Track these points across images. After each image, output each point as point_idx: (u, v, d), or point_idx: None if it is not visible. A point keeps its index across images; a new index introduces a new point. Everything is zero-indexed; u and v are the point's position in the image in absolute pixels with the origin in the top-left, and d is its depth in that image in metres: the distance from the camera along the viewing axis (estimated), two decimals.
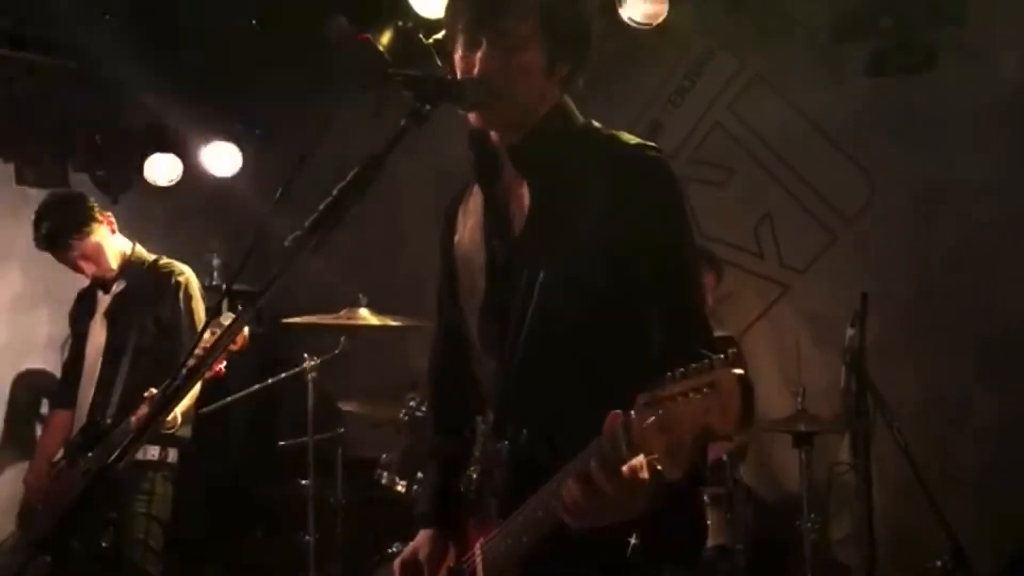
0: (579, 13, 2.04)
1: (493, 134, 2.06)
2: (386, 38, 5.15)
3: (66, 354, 4.52)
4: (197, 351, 3.61)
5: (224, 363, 3.89)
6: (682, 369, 1.46)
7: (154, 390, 3.79)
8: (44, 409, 5.02)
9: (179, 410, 3.85)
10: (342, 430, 4.85)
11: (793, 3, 4.79)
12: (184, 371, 1.76)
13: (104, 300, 4.29)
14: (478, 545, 2.02)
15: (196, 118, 5.72)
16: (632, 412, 1.53)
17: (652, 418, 1.47)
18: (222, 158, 5.84)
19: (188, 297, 4.17)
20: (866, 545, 3.90)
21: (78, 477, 3.99)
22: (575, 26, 2.02)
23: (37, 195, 5.19)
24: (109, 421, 3.99)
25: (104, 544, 3.84)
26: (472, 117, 2.01)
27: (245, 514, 5.61)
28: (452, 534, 2.15)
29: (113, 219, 4.25)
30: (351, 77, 5.32)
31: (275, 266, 1.71)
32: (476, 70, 1.95)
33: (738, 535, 4.25)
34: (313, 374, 4.64)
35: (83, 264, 4.16)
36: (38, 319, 5.20)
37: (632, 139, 2.00)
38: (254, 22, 5.36)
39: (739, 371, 1.41)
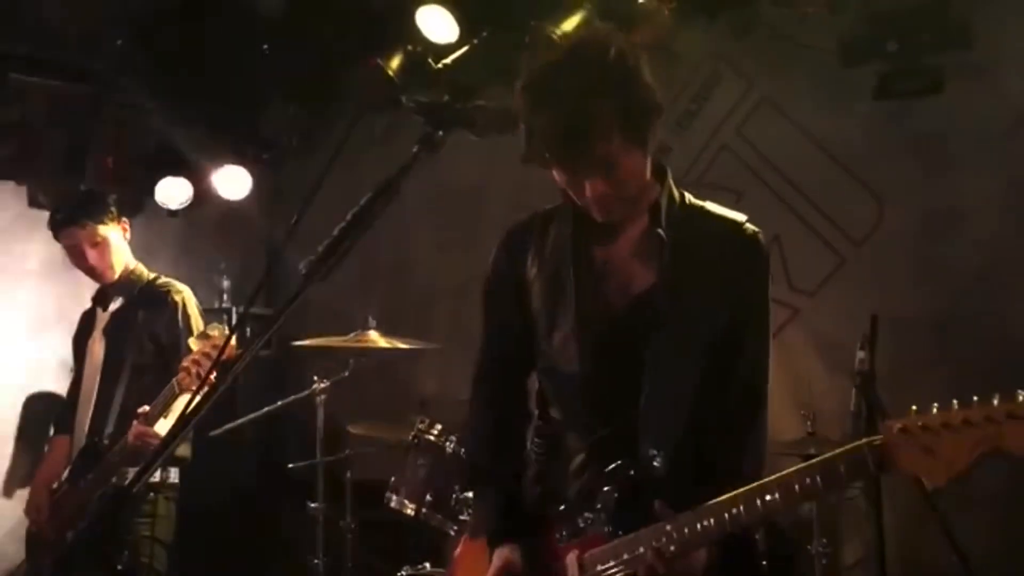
0: (646, 91, 2.12)
1: None
2: (395, 62, 5.19)
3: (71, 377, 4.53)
4: (185, 363, 3.66)
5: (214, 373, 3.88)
6: (956, 403, 1.74)
7: (147, 407, 3.81)
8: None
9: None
10: (351, 452, 4.85)
11: (800, 27, 4.81)
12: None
13: (103, 318, 4.31)
14: (573, 556, 2.14)
15: (207, 142, 5.76)
16: (882, 437, 1.79)
17: (919, 438, 1.74)
18: (232, 181, 5.87)
19: (186, 316, 4.18)
20: (877, 569, 3.87)
21: (82, 500, 3.99)
22: (648, 106, 2.12)
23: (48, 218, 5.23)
24: (106, 441, 3.99)
25: (120, 567, 3.83)
26: (596, 214, 2.19)
27: (254, 537, 5.60)
28: (527, 548, 2.25)
29: (128, 227, 4.32)
30: (362, 102, 5.36)
31: (287, 290, 1.73)
32: (588, 196, 2.13)
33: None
34: (322, 396, 4.65)
35: (88, 251, 4.19)
36: (50, 341, 5.21)
37: (732, 216, 2.29)
38: (265, 47, 5.41)
39: None
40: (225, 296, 6.00)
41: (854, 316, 4.11)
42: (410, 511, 4.15)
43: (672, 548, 1.99)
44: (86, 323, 4.42)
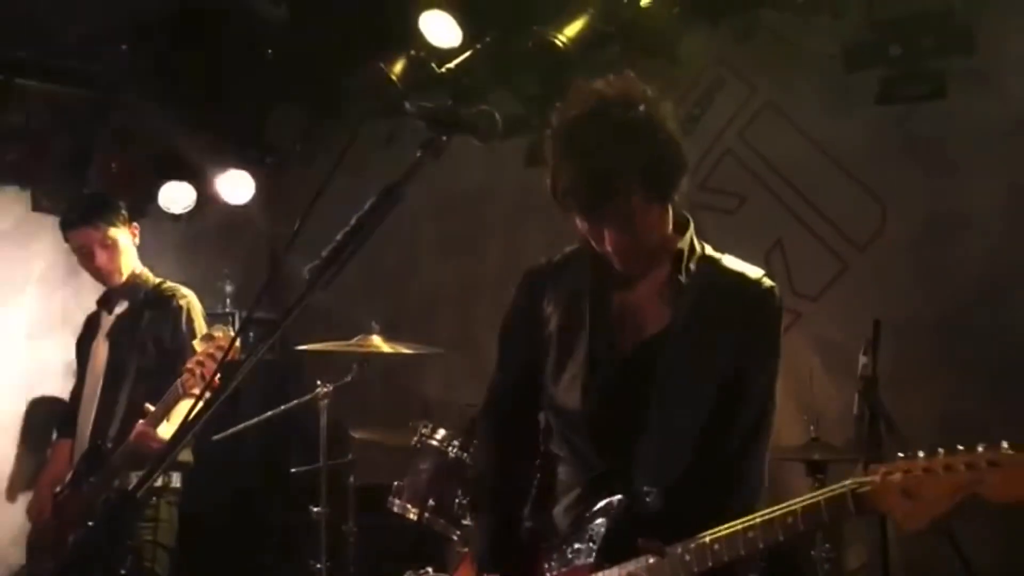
0: (671, 146, 2.16)
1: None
2: (399, 67, 5.20)
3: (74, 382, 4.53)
4: (189, 365, 3.66)
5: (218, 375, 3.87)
6: (942, 450, 1.79)
7: (150, 406, 3.81)
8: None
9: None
10: (354, 457, 4.85)
11: (803, 32, 4.81)
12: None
13: (107, 321, 4.32)
14: None
15: (210, 146, 5.77)
16: (865, 477, 1.86)
17: (898, 480, 1.80)
18: (236, 186, 5.89)
19: (190, 320, 4.19)
20: (881, 575, 3.87)
21: (84, 504, 3.98)
22: (674, 160, 2.17)
23: (53, 222, 5.23)
24: (110, 445, 3.99)
25: (123, 572, 3.83)
26: (616, 264, 2.24)
27: (256, 541, 5.60)
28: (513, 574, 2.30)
29: (137, 232, 4.35)
30: (365, 106, 5.37)
31: (291, 295, 1.73)
32: (609, 246, 2.19)
33: (753, 564, 4.22)
34: (325, 401, 4.65)
35: (98, 252, 4.21)
36: (53, 345, 5.22)
37: (748, 271, 2.33)
38: (269, 51, 5.42)
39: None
40: (228, 300, 6.01)
41: (857, 320, 4.11)
42: (413, 516, 4.15)
43: None
44: (91, 326, 4.43)
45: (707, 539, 1.99)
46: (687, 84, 5.22)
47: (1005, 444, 1.74)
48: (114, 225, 4.22)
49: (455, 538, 4.06)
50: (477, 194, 5.91)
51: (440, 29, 4.93)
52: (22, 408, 5.26)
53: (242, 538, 5.48)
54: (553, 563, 2.24)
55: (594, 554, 2.15)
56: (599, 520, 2.18)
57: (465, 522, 3.98)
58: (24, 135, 5.48)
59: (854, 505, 1.86)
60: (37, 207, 5.80)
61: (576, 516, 2.25)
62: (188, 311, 4.20)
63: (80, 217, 4.23)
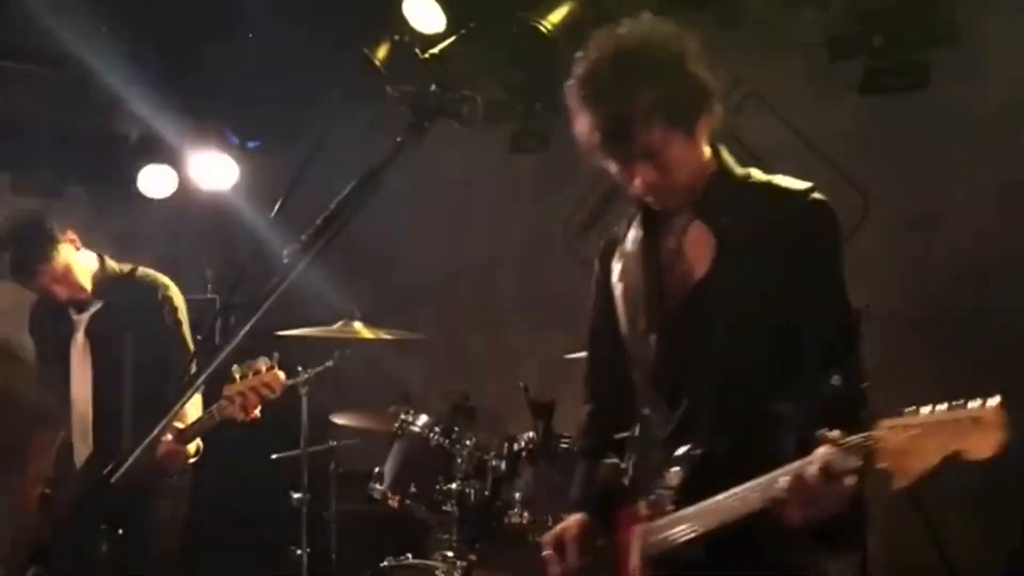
0: (690, 78, 2.21)
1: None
2: (382, 52, 5.18)
3: (38, 371, 4.31)
4: (229, 392, 3.59)
5: (259, 409, 3.80)
6: (946, 404, 1.77)
7: (181, 426, 3.73)
8: None
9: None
10: (335, 443, 4.85)
11: (787, 21, 4.81)
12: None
13: (82, 320, 4.10)
14: (639, 528, 2.30)
15: (191, 131, 5.73)
16: (875, 432, 1.83)
17: (900, 438, 1.79)
18: (217, 171, 5.85)
19: (174, 310, 4.07)
20: (859, 564, 3.89)
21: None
22: (694, 91, 2.22)
23: (31, 205, 5.19)
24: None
25: (104, 549, 3.74)
26: (650, 202, 2.29)
27: (236, 528, 5.59)
28: (599, 520, 2.44)
29: (75, 236, 4.02)
30: (348, 91, 5.34)
31: (272, 279, 1.72)
32: (639, 185, 2.22)
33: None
34: (306, 387, 4.64)
35: (56, 289, 3.97)
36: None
37: (796, 184, 2.28)
38: (250, 35, 5.39)
39: (1002, 410, 1.73)
40: (209, 286, 5.98)
41: None
42: (393, 502, 4.15)
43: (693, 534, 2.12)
44: (55, 318, 4.16)
45: (751, 484, 2.03)
46: None
47: (991, 401, 1.75)
48: (52, 256, 3.90)
49: (435, 524, 4.06)
50: (460, 181, 5.90)
51: (424, 14, 4.91)
52: None
53: (222, 524, 5.45)
54: (635, 508, 2.35)
55: (672, 501, 2.24)
56: (675, 468, 2.24)
57: (446, 508, 3.99)
58: (2, 118, 5.44)
59: (863, 456, 1.86)
60: (16, 191, 5.76)
61: (657, 464, 2.32)
62: (172, 302, 4.08)
63: (16, 274, 3.95)
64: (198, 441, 3.98)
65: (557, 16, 4.60)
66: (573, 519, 2.49)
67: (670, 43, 2.21)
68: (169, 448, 3.75)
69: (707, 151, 2.33)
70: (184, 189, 5.95)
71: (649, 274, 2.37)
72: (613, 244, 2.55)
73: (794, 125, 4.96)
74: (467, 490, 3.96)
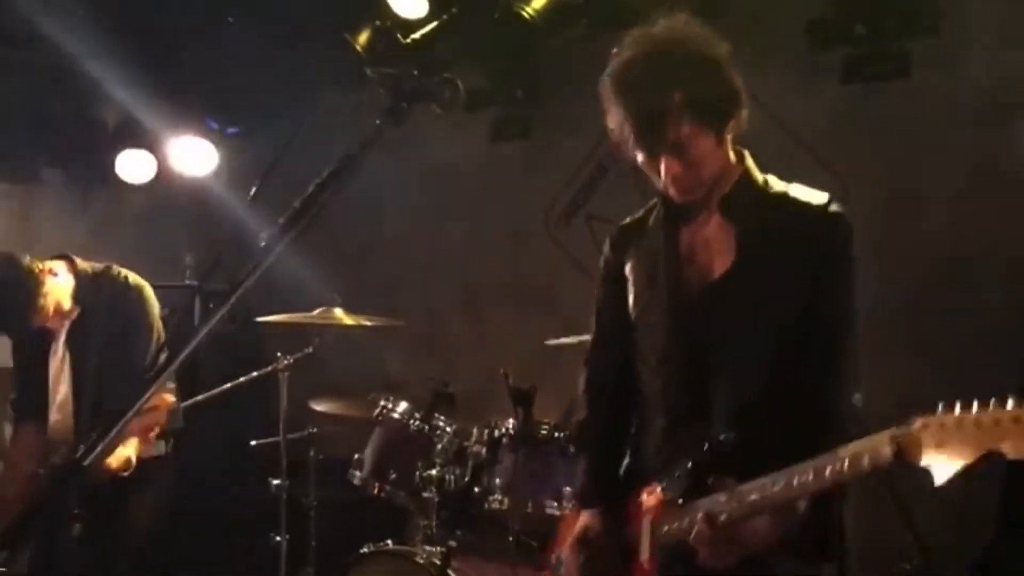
0: (723, 81, 2.33)
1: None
2: (363, 37, 5.15)
3: (16, 363, 4.24)
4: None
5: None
6: (978, 402, 1.82)
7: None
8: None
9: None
10: (314, 430, 4.83)
11: (768, 10, 4.81)
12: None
13: (61, 329, 4.05)
14: (647, 518, 2.35)
15: (171, 116, 5.69)
16: (904, 429, 1.90)
17: (936, 436, 1.85)
18: (197, 156, 5.82)
19: (146, 313, 4.01)
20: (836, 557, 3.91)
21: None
22: (725, 94, 2.34)
23: (8, 190, 5.15)
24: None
25: (74, 535, 3.73)
26: (673, 194, 2.36)
27: (215, 515, 5.58)
28: (611, 512, 2.49)
29: (48, 264, 3.92)
30: (328, 76, 5.31)
31: (250, 264, 1.71)
32: (664, 176, 2.31)
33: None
34: (286, 373, 4.63)
35: (53, 322, 3.95)
36: None
37: (814, 198, 2.39)
38: (231, 20, 5.35)
39: None
40: (188, 272, 5.94)
41: None
42: (373, 488, 4.15)
43: (723, 516, 2.14)
44: (33, 334, 4.05)
45: (768, 479, 2.07)
46: None
47: None
48: (40, 300, 3.84)
49: (414, 510, 4.06)
50: (443, 168, 5.88)
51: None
52: None
53: (200, 511, 5.44)
54: (643, 499, 2.38)
55: (680, 491, 2.28)
56: (683, 460, 2.29)
57: (426, 494, 3.99)
58: None
59: (893, 454, 1.91)
60: None
61: (667, 456, 2.37)
62: (145, 304, 4.02)
63: (13, 326, 3.94)
64: (130, 453, 3.88)
65: (540, 2, 4.59)
66: (587, 517, 2.54)
67: (706, 46, 2.33)
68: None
69: (732, 155, 2.43)
70: (163, 175, 5.91)
71: (668, 264, 2.43)
72: (628, 232, 2.61)
73: (774, 113, 4.96)
74: (447, 476, 3.97)
